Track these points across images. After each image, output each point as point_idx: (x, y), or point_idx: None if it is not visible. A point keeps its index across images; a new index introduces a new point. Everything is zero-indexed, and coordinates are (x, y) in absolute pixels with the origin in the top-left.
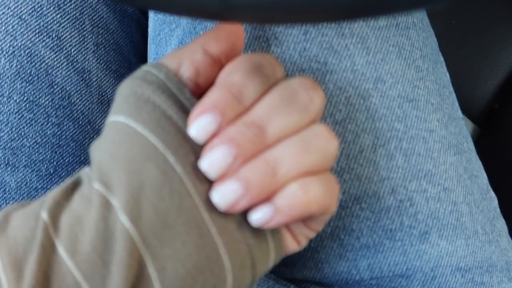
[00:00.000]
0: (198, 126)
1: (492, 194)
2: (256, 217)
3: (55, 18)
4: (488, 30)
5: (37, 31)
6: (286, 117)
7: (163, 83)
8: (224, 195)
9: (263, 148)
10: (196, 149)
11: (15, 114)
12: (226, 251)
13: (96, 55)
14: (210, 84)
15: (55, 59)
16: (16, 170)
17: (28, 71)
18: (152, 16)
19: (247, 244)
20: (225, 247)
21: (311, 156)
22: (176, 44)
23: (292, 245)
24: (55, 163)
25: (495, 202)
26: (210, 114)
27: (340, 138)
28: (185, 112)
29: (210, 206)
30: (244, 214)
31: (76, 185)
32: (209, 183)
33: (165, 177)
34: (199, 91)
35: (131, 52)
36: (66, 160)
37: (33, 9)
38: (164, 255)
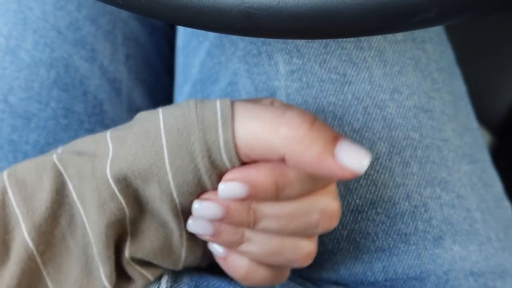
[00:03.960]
0: (228, 187)
1: (507, 203)
2: (213, 246)
3: (90, 32)
4: (507, 43)
5: (73, 43)
6: (282, 226)
7: (218, 149)
8: (196, 227)
9: (246, 227)
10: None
11: (52, 120)
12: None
13: (126, 66)
14: None
15: (89, 69)
16: None
17: (64, 81)
18: (181, 29)
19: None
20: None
21: (275, 259)
22: (203, 55)
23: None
24: None
25: (510, 211)
26: (245, 188)
27: None
28: (220, 175)
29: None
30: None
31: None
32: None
33: (162, 195)
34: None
35: (159, 63)
36: None
37: (70, 23)
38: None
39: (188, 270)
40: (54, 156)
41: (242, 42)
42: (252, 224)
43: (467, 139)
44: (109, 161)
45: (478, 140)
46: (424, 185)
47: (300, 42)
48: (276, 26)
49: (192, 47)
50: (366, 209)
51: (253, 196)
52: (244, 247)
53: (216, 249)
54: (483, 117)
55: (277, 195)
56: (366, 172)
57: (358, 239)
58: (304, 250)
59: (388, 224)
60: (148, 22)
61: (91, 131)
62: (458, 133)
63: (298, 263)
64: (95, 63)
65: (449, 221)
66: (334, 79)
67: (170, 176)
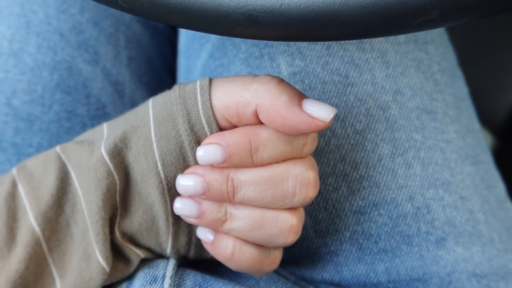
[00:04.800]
0: (206, 150)
1: (510, 204)
2: (199, 233)
3: (92, 35)
4: (509, 44)
5: (76, 46)
6: (261, 194)
7: (197, 112)
8: (182, 208)
9: (227, 201)
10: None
11: (55, 122)
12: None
13: (129, 68)
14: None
15: (92, 72)
16: None
17: (67, 83)
18: (183, 31)
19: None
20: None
21: (258, 234)
22: (205, 58)
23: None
24: None
25: None
26: (221, 149)
27: (360, 147)
28: (199, 142)
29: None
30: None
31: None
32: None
33: (148, 172)
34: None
35: (161, 66)
36: None
37: (73, 26)
38: (128, 210)
39: (192, 273)
40: (58, 147)
41: (244, 45)
42: (231, 194)
43: (469, 140)
44: (103, 140)
45: (481, 142)
46: (427, 186)
47: (302, 44)
48: (278, 29)
49: (194, 49)
50: (369, 210)
51: (229, 160)
52: (228, 224)
53: (205, 234)
54: (485, 119)
55: (251, 156)
56: (369, 174)
57: (361, 241)
58: (286, 223)
59: (390, 226)
60: (151, 25)
61: None
62: (461, 135)
63: (282, 239)
64: (97, 66)
65: (452, 223)
66: (336, 80)
67: (155, 145)
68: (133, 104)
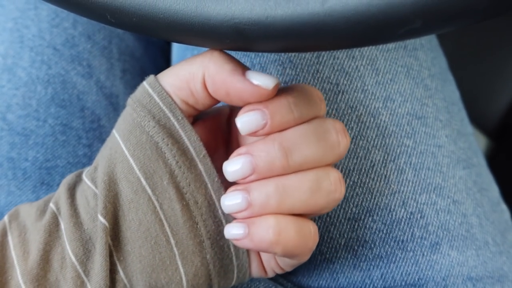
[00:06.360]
0: (244, 119)
1: (504, 206)
2: (230, 233)
3: (86, 48)
4: (501, 47)
5: (69, 60)
6: (312, 150)
7: (156, 105)
8: (228, 205)
9: (279, 173)
10: (172, 171)
11: (50, 136)
12: (180, 259)
13: (123, 80)
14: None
15: (86, 85)
16: (51, 188)
17: (62, 97)
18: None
19: (203, 257)
20: (180, 255)
21: (317, 198)
22: None
23: (258, 272)
24: None
25: (507, 214)
26: (260, 113)
27: (352, 154)
28: (172, 135)
29: (173, 221)
30: (208, 231)
31: (77, 182)
32: (179, 203)
33: (134, 195)
34: (210, 100)
35: None
36: None
37: (66, 40)
38: (125, 250)
39: None
40: (52, 201)
41: (235, 55)
42: (284, 159)
43: (461, 144)
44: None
45: (473, 145)
46: (420, 191)
47: (293, 54)
48: (265, 41)
49: None
50: (363, 217)
51: (271, 121)
52: (286, 199)
53: (237, 230)
54: (479, 121)
55: (292, 111)
56: (361, 181)
57: (356, 247)
58: (335, 176)
59: (385, 232)
60: (144, 37)
61: (89, 146)
62: (452, 139)
63: (337, 194)
64: (91, 79)
65: (446, 227)
66: (327, 88)
67: (131, 161)
68: None
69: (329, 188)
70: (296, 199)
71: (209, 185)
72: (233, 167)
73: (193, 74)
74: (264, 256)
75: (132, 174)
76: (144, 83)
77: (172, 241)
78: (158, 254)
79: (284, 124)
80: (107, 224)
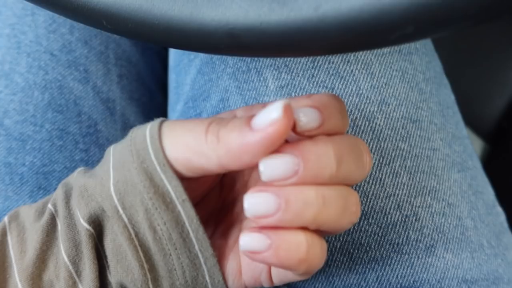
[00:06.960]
0: (305, 114)
1: (499, 209)
2: (249, 244)
3: (82, 53)
4: (497, 50)
5: (66, 65)
6: (356, 165)
7: (156, 173)
8: (253, 203)
9: (323, 181)
10: (148, 210)
11: (47, 141)
12: (152, 282)
13: (119, 85)
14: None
15: (82, 90)
16: (48, 193)
17: (59, 102)
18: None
19: (173, 283)
20: (152, 279)
21: (343, 217)
22: (194, 73)
23: (265, 281)
24: None
25: (502, 217)
26: (317, 112)
27: None
28: (152, 179)
29: (147, 248)
30: (181, 262)
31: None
32: (151, 236)
33: (113, 219)
34: None
35: (152, 82)
36: None
37: (63, 45)
38: (108, 258)
39: None
40: (50, 202)
41: (231, 60)
42: (334, 167)
43: (456, 147)
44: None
45: (468, 148)
46: (415, 194)
47: (288, 58)
48: (260, 46)
49: (183, 65)
50: (358, 220)
51: (325, 123)
52: (322, 212)
53: (258, 242)
54: (475, 124)
55: (341, 117)
56: (357, 184)
57: (351, 250)
58: (355, 198)
59: (380, 235)
60: (140, 42)
61: (86, 151)
62: (447, 142)
63: (354, 218)
64: (88, 84)
65: (441, 230)
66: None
67: (112, 189)
68: (124, 120)
69: (351, 209)
70: (331, 214)
71: (186, 224)
72: (275, 165)
73: (208, 160)
74: (255, 270)
75: (111, 201)
76: (147, 130)
77: (146, 266)
78: (132, 275)
79: (335, 129)
80: (92, 230)
